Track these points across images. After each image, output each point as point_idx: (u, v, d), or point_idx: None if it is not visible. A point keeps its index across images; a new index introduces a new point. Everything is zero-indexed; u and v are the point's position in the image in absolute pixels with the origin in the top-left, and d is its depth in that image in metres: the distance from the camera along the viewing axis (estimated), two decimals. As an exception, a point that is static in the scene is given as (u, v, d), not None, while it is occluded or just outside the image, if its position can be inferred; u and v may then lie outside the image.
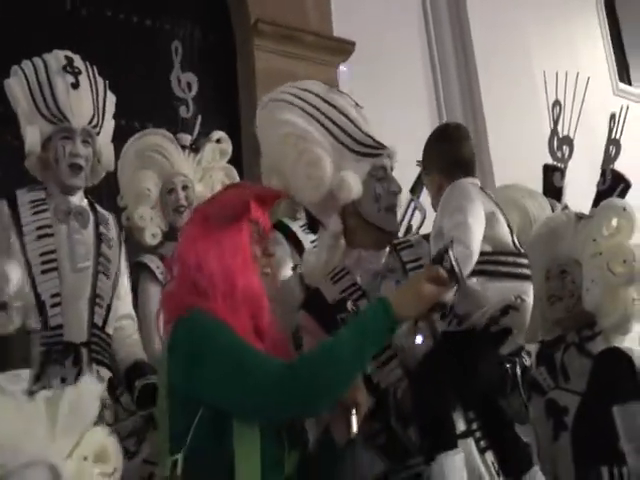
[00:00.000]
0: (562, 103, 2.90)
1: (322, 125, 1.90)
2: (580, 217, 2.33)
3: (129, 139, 2.79)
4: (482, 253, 1.72)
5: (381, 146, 1.93)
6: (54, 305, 2.19)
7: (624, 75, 5.89)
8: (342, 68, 3.41)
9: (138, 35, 3.87)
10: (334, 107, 1.92)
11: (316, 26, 4.17)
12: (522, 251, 1.82)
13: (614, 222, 2.20)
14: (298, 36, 4.08)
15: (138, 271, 2.60)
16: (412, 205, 2.69)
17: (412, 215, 2.74)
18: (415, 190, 2.73)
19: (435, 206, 1.92)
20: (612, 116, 2.58)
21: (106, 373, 2.24)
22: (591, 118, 3.09)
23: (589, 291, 2.16)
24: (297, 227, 2.74)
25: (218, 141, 2.90)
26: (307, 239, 2.68)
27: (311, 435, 1.61)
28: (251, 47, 4.03)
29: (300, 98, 1.93)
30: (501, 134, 4.44)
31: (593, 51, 5.57)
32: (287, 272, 2.57)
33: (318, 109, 1.91)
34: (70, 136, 2.34)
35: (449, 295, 1.59)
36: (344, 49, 4.16)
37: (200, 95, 3.07)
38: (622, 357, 2.06)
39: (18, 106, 2.38)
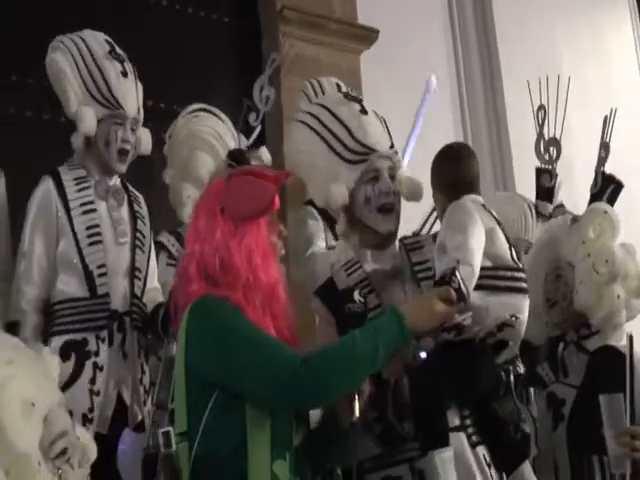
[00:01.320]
0: (547, 107, 2.99)
1: (321, 137, 2.08)
2: (574, 220, 2.42)
3: (182, 113, 2.86)
4: (482, 268, 1.87)
5: (370, 150, 2.05)
6: (101, 275, 2.32)
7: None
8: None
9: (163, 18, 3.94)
10: (336, 118, 2.09)
11: (340, 13, 4.22)
12: (520, 266, 1.97)
13: (598, 224, 2.30)
14: (323, 23, 4.13)
15: (156, 249, 2.69)
16: (435, 213, 2.74)
17: (435, 221, 2.81)
18: None
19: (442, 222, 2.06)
20: (605, 119, 2.65)
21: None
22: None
23: (578, 292, 2.27)
24: None
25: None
26: None
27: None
28: (276, 34, 4.09)
29: (312, 114, 2.15)
30: (522, 125, 4.48)
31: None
32: (320, 245, 2.70)
33: (322, 123, 2.10)
34: (122, 122, 2.44)
35: (464, 318, 1.72)
36: (368, 36, 4.20)
37: (226, 81, 3.15)
38: (617, 354, 2.16)
39: (67, 83, 2.42)
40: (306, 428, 1.65)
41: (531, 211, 2.89)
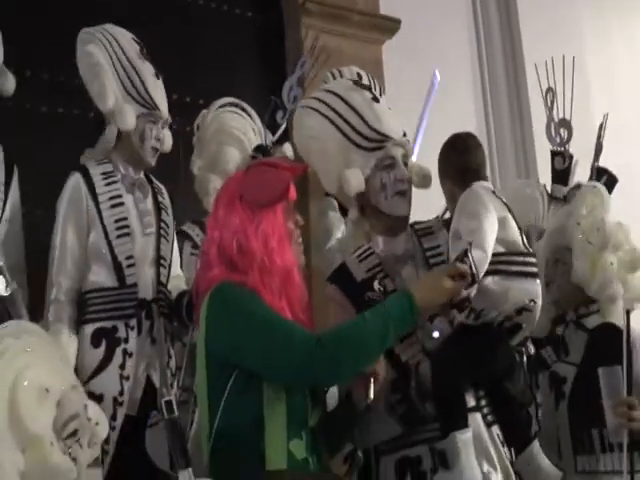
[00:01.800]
0: (557, 89, 2.99)
1: (334, 124, 2.11)
2: None
3: (211, 106, 2.95)
4: (496, 254, 1.92)
5: (385, 137, 2.09)
6: (129, 266, 2.42)
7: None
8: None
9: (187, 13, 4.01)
10: (348, 105, 2.12)
11: (363, 4, 4.24)
12: (531, 251, 2.03)
13: (589, 201, 2.36)
14: (345, 15, 4.16)
15: (180, 239, 2.79)
16: None
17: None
18: None
19: (451, 212, 2.11)
20: (601, 125, 2.76)
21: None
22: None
23: (575, 267, 2.33)
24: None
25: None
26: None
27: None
28: (299, 26, 4.13)
29: (322, 101, 2.17)
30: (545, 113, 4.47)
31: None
32: (339, 237, 2.77)
33: (334, 109, 2.12)
34: (156, 121, 2.54)
35: (471, 293, 1.78)
36: (390, 27, 4.22)
37: (250, 74, 3.21)
38: (615, 331, 2.21)
39: (105, 78, 2.47)
40: (322, 409, 1.71)
41: (543, 197, 2.90)
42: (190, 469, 1.47)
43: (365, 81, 2.57)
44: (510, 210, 2.06)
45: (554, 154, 2.98)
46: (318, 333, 1.59)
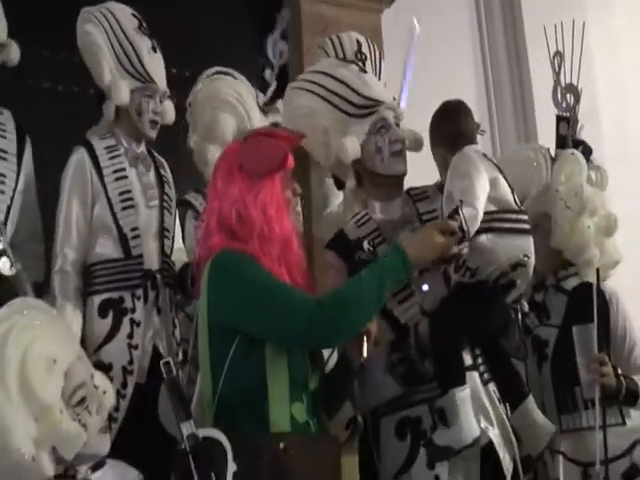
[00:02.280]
0: (564, 54, 2.95)
1: (324, 99, 2.18)
2: None
3: (200, 78, 2.93)
4: (488, 212, 1.96)
5: (376, 102, 2.15)
6: (134, 237, 2.47)
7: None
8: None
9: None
10: (335, 79, 2.19)
11: (360, -27, 4.22)
12: (522, 208, 2.06)
13: (567, 169, 2.42)
14: (343, -18, 4.14)
15: (183, 208, 2.83)
16: None
17: None
18: None
19: (443, 179, 2.14)
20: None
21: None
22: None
23: (554, 232, 2.38)
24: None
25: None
26: None
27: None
28: (297, -4, 4.11)
29: (310, 81, 2.24)
30: (544, 78, 4.45)
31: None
32: (336, 204, 2.79)
33: (322, 85, 2.19)
34: (152, 95, 2.56)
35: (461, 248, 1.85)
36: (388, -5, 4.21)
37: (249, 46, 3.21)
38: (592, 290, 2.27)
39: (101, 56, 2.52)
40: (321, 373, 1.76)
41: (547, 161, 2.90)
42: (192, 420, 1.51)
43: (364, 47, 2.56)
44: (501, 171, 2.09)
45: (559, 119, 2.93)
46: (317, 297, 1.63)
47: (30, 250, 2.46)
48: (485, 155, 2.12)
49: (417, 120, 2.33)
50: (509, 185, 2.07)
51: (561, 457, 2.27)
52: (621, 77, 4.47)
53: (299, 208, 1.78)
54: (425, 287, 1.97)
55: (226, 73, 2.95)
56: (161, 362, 1.58)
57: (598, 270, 2.18)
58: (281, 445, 1.53)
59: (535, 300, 2.47)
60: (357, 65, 2.24)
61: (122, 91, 2.51)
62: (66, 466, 1.71)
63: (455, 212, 1.83)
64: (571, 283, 2.41)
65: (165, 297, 2.51)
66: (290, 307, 1.59)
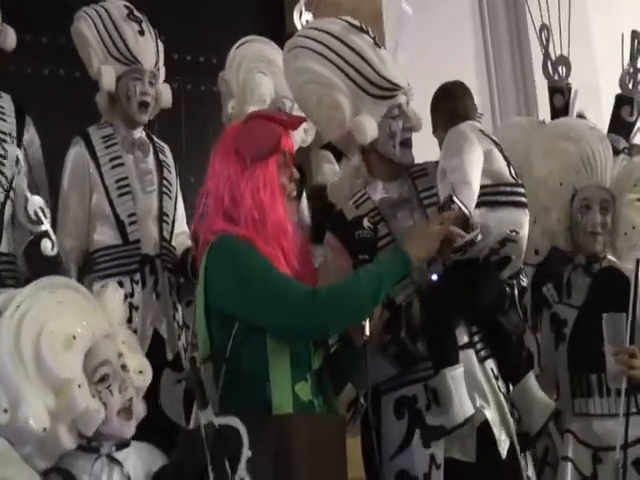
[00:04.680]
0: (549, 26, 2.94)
1: (341, 69, 2.04)
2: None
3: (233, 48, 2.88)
4: (483, 186, 1.93)
5: (396, 87, 2.07)
6: (131, 223, 2.51)
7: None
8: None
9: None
10: (352, 50, 2.05)
11: (361, -46, 4.19)
12: (519, 182, 2.03)
13: None
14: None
15: None
16: None
17: None
18: None
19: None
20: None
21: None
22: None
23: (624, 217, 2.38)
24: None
25: None
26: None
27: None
28: (298, -19, 4.08)
29: (320, 42, 2.06)
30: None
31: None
32: None
33: (337, 53, 2.05)
34: (140, 77, 2.59)
35: (474, 235, 1.81)
36: (389, -23, 4.17)
37: (250, 30, 3.20)
38: (619, 275, 2.27)
39: (89, 47, 2.60)
40: (326, 352, 1.77)
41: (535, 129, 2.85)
42: (210, 408, 1.52)
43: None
44: (498, 144, 2.05)
45: (553, 91, 2.92)
46: (314, 288, 1.64)
47: None
48: (482, 131, 2.08)
49: (418, 101, 2.29)
50: (505, 158, 2.03)
51: (572, 437, 2.27)
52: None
53: (295, 194, 1.77)
54: (434, 277, 1.94)
55: (256, 40, 2.93)
56: (187, 357, 1.60)
57: (638, 261, 2.14)
58: (284, 427, 1.54)
59: (559, 275, 2.43)
60: (369, 36, 2.10)
61: (107, 76, 2.56)
62: (89, 439, 1.74)
63: (450, 201, 1.80)
64: (597, 266, 2.38)
65: (164, 281, 2.54)
66: (285, 297, 1.59)
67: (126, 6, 2.67)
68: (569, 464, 2.24)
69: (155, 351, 2.43)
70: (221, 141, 1.77)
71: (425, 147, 2.19)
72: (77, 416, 1.68)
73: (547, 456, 2.41)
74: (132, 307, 2.43)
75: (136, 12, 2.66)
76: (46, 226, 2.09)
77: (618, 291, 2.16)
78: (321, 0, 3.65)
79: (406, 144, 2.09)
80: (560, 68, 2.92)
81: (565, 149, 2.49)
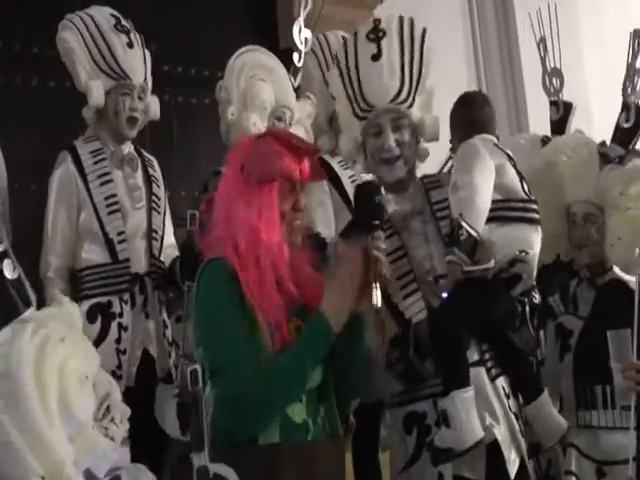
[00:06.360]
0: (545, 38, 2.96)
1: (344, 86, 2.12)
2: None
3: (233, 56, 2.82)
4: (494, 201, 1.90)
5: (370, 107, 2.07)
6: (121, 242, 2.46)
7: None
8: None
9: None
10: (354, 65, 2.12)
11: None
12: (532, 197, 2.00)
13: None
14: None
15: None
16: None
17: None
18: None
19: None
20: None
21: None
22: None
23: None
24: (335, 163, 2.79)
25: None
26: (345, 175, 2.76)
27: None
28: (290, -7, 4.07)
29: (336, 58, 2.18)
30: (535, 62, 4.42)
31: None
32: (323, 213, 2.69)
33: (347, 67, 2.11)
34: (129, 92, 2.54)
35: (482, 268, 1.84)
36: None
37: (241, 41, 3.17)
38: (623, 288, 2.26)
39: (75, 59, 2.54)
40: (326, 366, 1.63)
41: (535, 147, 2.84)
42: (205, 452, 1.43)
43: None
44: (511, 159, 2.02)
45: (550, 105, 2.95)
46: (258, 363, 1.50)
47: None
48: (496, 144, 2.05)
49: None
50: (518, 172, 2.01)
51: (575, 451, 2.26)
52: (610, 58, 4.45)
53: (298, 222, 1.65)
54: (445, 294, 1.91)
55: (256, 49, 2.87)
56: (188, 369, 1.52)
57: None
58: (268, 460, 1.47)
59: (565, 287, 2.44)
60: (377, 46, 2.11)
61: (95, 92, 2.50)
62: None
63: (458, 227, 1.81)
64: (603, 279, 2.38)
65: (154, 300, 2.50)
66: (229, 365, 1.50)
67: (113, 15, 2.61)
68: (573, 478, 2.23)
69: (145, 371, 2.40)
70: (233, 153, 1.69)
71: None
72: (93, 460, 1.54)
73: (550, 469, 2.41)
74: (121, 328, 2.39)
75: (123, 21, 2.61)
76: (4, 247, 1.95)
77: (623, 304, 2.13)
78: (319, 16, 3.65)
79: (384, 162, 2.05)
80: (554, 81, 2.93)
81: (556, 164, 2.51)
